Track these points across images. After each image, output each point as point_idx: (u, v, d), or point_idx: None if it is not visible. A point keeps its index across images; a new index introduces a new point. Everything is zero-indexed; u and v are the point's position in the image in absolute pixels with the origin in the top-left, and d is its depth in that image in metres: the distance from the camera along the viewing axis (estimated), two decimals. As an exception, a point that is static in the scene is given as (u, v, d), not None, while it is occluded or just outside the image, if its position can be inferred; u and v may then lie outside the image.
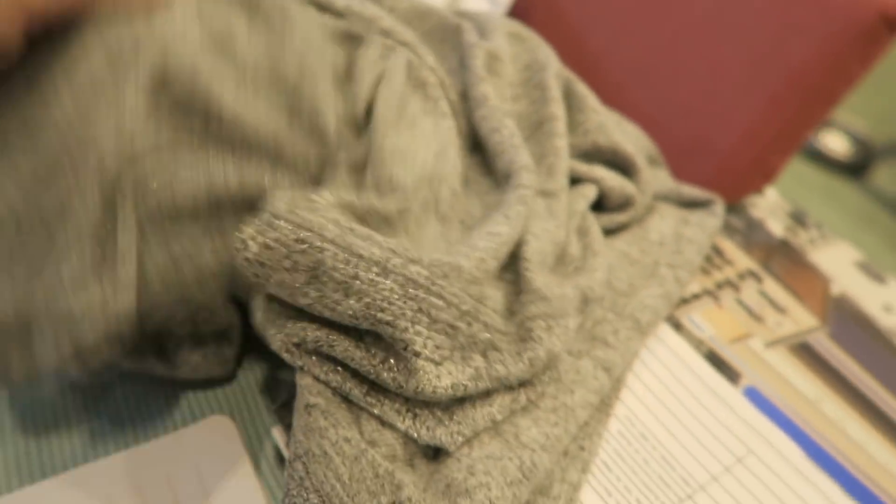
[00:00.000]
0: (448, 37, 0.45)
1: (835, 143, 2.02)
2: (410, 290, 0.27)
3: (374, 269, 0.27)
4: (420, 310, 0.27)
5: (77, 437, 0.33)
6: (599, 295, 0.35)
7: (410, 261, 0.28)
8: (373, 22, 0.41)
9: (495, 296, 0.32)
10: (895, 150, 2.13)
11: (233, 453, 0.34)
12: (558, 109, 0.41)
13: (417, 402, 0.30)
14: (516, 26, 0.47)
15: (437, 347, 0.28)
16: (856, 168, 2.02)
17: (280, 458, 0.34)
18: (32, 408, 0.34)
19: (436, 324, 0.28)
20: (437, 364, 0.28)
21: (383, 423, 0.30)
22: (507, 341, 0.30)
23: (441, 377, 0.28)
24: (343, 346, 0.29)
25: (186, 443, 0.34)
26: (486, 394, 0.30)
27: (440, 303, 0.28)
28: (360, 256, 0.27)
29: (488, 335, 0.30)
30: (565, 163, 0.40)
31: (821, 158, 2.01)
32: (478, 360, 0.29)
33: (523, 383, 0.31)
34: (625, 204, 0.42)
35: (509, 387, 0.31)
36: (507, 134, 0.38)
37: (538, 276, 0.33)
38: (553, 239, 0.35)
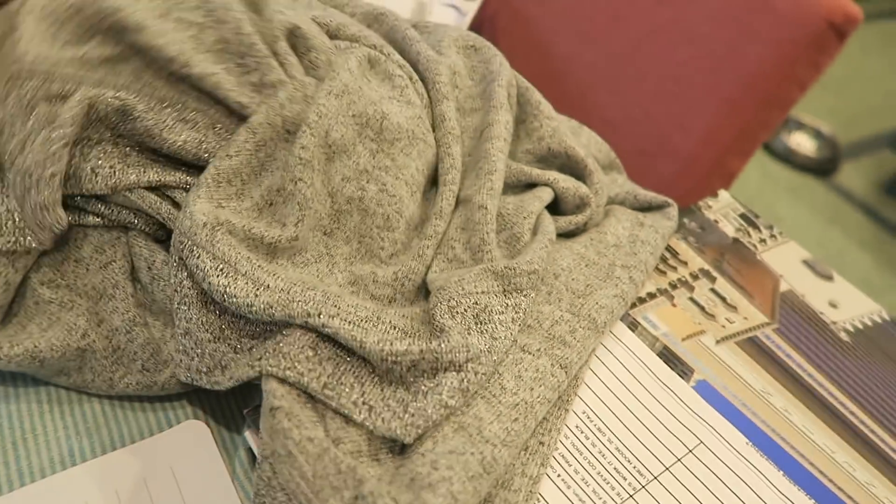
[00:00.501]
0: (399, 45, 0.47)
1: (803, 143, 2.07)
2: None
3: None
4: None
5: (54, 444, 0.34)
6: (525, 271, 0.37)
7: (310, 289, 0.33)
8: (341, 29, 0.43)
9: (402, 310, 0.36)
10: (860, 150, 2.19)
11: (208, 457, 0.35)
12: (496, 115, 0.43)
13: (373, 395, 0.31)
14: (469, 37, 0.49)
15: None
16: (823, 168, 2.07)
17: (254, 460, 0.35)
18: (8, 415, 0.35)
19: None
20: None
21: (348, 420, 0.31)
22: (420, 335, 0.34)
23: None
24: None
25: (162, 447, 0.35)
26: (433, 377, 0.32)
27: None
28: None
29: (394, 331, 0.33)
30: (497, 164, 0.42)
31: (789, 159, 2.06)
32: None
33: (471, 359, 0.33)
34: (580, 205, 0.44)
35: (455, 367, 0.32)
36: (447, 165, 0.42)
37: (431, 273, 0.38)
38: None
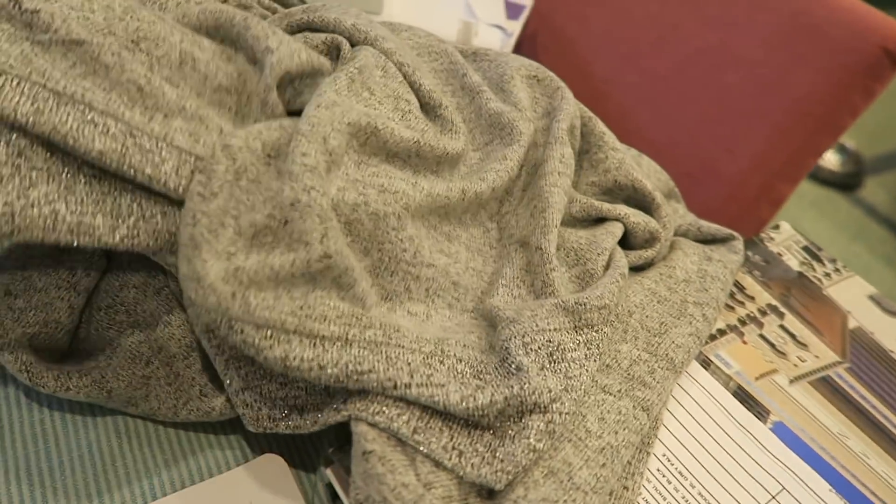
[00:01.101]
0: (459, 86, 0.47)
1: (827, 158, 2.06)
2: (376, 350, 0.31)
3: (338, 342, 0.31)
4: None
5: (134, 478, 0.34)
6: (596, 306, 0.36)
7: (366, 327, 0.32)
8: (373, 42, 0.43)
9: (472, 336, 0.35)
10: (885, 165, 2.17)
11: (286, 491, 0.35)
12: (551, 150, 0.43)
13: (461, 439, 0.31)
14: (531, 67, 0.49)
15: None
16: (847, 183, 2.06)
17: (333, 496, 0.35)
18: (88, 446, 0.35)
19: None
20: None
21: (437, 464, 0.31)
22: (491, 368, 0.33)
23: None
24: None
25: (240, 481, 0.35)
26: (518, 420, 0.32)
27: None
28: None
29: (462, 366, 0.32)
30: (551, 199, 0.41)
31: (813, 173, 2.05)
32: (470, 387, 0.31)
33: (554, 399, 0.32)
34: (650, 240, 0.44)
35: (540, 409, 0.32)
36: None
37: (498, 300, 0.37)
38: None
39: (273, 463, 0.36)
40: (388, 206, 0.36)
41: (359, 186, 0.35)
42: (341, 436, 0.35)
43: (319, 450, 0.37)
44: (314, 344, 0.30)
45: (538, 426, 0.31)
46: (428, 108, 0.43)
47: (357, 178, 0.35)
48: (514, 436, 0.31)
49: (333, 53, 0.43)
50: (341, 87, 0.38)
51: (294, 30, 0.44)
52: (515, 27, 0.78)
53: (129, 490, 0.34)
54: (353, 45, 0.43)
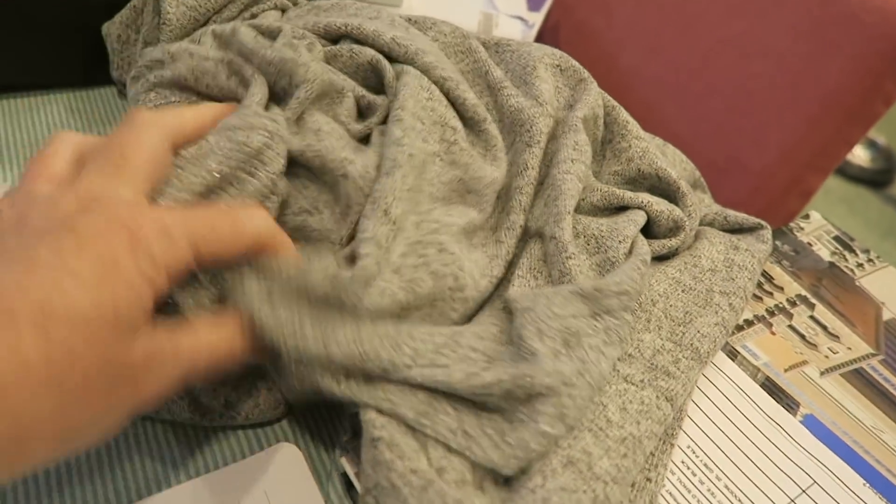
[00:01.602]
0: (485, 84, 0.46)
1: (856, 154, 2.02)
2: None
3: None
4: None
5: (149, 466, 0.34)
6: (615, 292, 0.35)
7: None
8: (417, 55, 0.42)
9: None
10: (918, 162, 2.12)
11: (301, 481, 0.34)
12: (565, 139, 0.42)
13: (469, 421, 0.30)
14: (555, 55, 0.48)
15: None
16: (877, 179, 2.01)
17: (348, 486, 0.34)
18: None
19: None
20: None
21: (450, 448, 0.30)
22: (507, 356, 0.32)
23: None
24: None
25: (254, 470, 0.35)
26: (528, 403, 0.30)
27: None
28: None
29: (476, 355, 0.32)
30: (563, 185, 0.40)
31: (842, 170, 2.01)
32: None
33: (567, 384, 0.31)
34: (674, 229, 0.43)
35: (552, 393, 0.31)
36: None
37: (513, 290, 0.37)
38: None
39: (288, 452, 0.36)
40: (447, 266, 0.36)
41: (419, 248, 0.36)
42: (357, 425, 0.34)
43: (335, 439, 0.37)
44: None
45: (549, 411, 0.30)
46: (472, 123, 0.42)
47: (418, 239, 0.36)
48: (524, 420, 0.30)
49: (377, 77, 0.42)
50: (401, 137, 0.38)
51: (333, 37, 0.44)
52: (537, 18, 0.77)
53: (143, 476, 0.34)
54: (391, 60, 0.42)
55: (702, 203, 0.48)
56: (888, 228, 1.89)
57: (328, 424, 0.37)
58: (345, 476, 0.34)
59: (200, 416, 0.35)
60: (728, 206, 0.74)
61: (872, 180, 2.02)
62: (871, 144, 2.04)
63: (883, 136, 2.11)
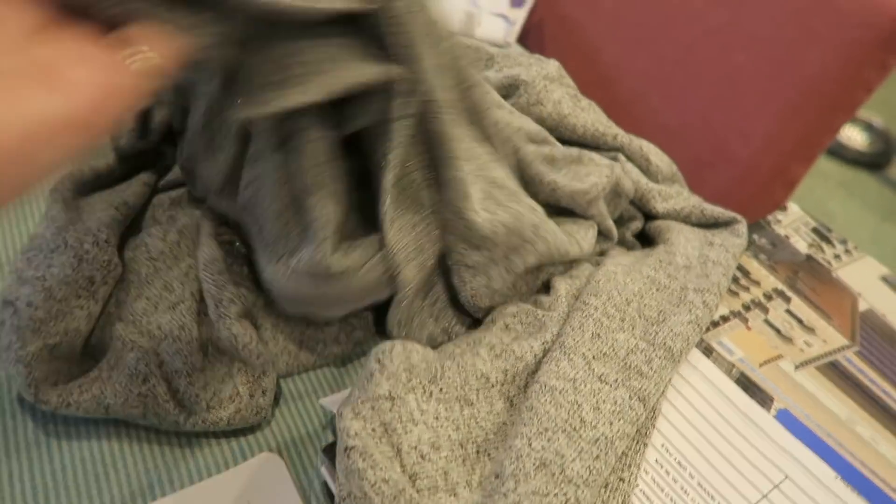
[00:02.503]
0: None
1: (853, 137, 2.01)
2: None
3: None
4: None
5: (134, 479, 0.35)
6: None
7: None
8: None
9: None
10: (915, 142, 2.11)
11: (283, 490, 0.35)
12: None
13: None
14: (548, 68, 0.50)
15: None
16: (875, 162, 2.01)
17: (329, 495, 0.35)
18: (90, 450, 0.36)
19: None
20: None
21: (423, 455, 0.31)
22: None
23: None
24: None
25: (237, 481, 0.35)
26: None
27: None
28: None
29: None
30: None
31: (840, 153, 2.00)
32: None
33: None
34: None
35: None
36: None
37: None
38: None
39: (271, 462, 0.36)
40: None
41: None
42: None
43: (317, 448, 0.37)
44: None
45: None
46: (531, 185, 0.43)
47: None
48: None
49: None
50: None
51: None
52: (519, 15, 0.77)
53: (128, 490, 0.34)
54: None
55: (679, 196, 0.48)
56: (888, 211, 1.89)
57: (310, 434, 0.38)
58: (326, 485, 0.35)
59: (185, 419, 0.35)
60: (715, 196, 0.74)
61: (870, 163, 2.02)
62: (868, 127, 2.03)
63: (879, 118, 2.10)
